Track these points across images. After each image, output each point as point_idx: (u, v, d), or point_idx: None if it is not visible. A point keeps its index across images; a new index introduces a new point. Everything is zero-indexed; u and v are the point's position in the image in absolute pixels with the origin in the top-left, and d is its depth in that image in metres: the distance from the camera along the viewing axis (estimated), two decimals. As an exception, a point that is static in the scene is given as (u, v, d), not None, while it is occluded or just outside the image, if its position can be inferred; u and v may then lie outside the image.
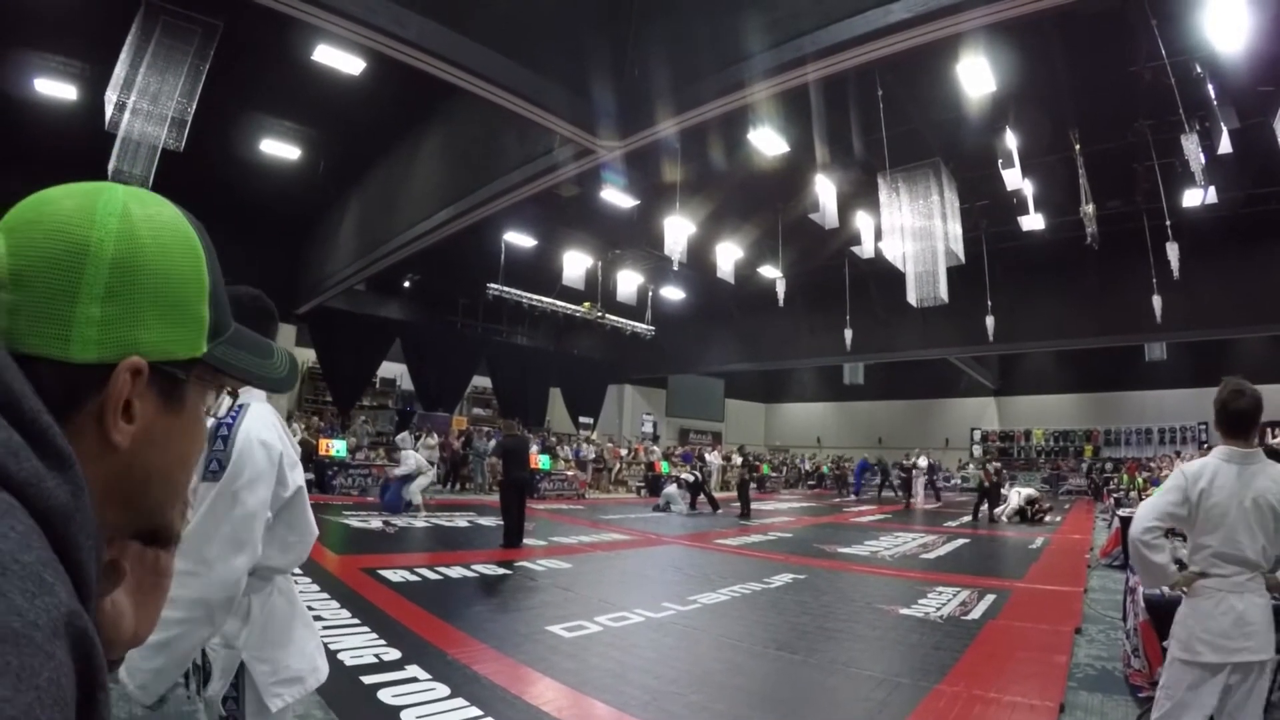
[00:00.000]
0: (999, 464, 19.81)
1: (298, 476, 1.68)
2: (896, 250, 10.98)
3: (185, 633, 1.43)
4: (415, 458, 12.38)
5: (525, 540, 9.35)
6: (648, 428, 28.11)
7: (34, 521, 0.37)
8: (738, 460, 18.62)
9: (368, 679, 3.78)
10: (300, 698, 1.68)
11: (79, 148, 10.56)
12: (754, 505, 16.42)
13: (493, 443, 16.79)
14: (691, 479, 16.21)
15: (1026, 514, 14.97)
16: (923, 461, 20.33)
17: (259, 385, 0.61)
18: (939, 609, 6.18)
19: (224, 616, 1.49)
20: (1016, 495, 15.51)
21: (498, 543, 9.10)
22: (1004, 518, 15.07)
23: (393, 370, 22.12)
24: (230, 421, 1.57)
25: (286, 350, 0.66)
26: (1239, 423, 2.42)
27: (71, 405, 0.46)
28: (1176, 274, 11.87)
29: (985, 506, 15.26)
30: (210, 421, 1.52)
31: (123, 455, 0.48)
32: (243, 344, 0.59)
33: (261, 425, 1.61)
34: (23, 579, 0.33)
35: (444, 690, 3.69)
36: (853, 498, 23.56)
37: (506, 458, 9.61)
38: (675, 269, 13.86)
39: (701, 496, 15.91)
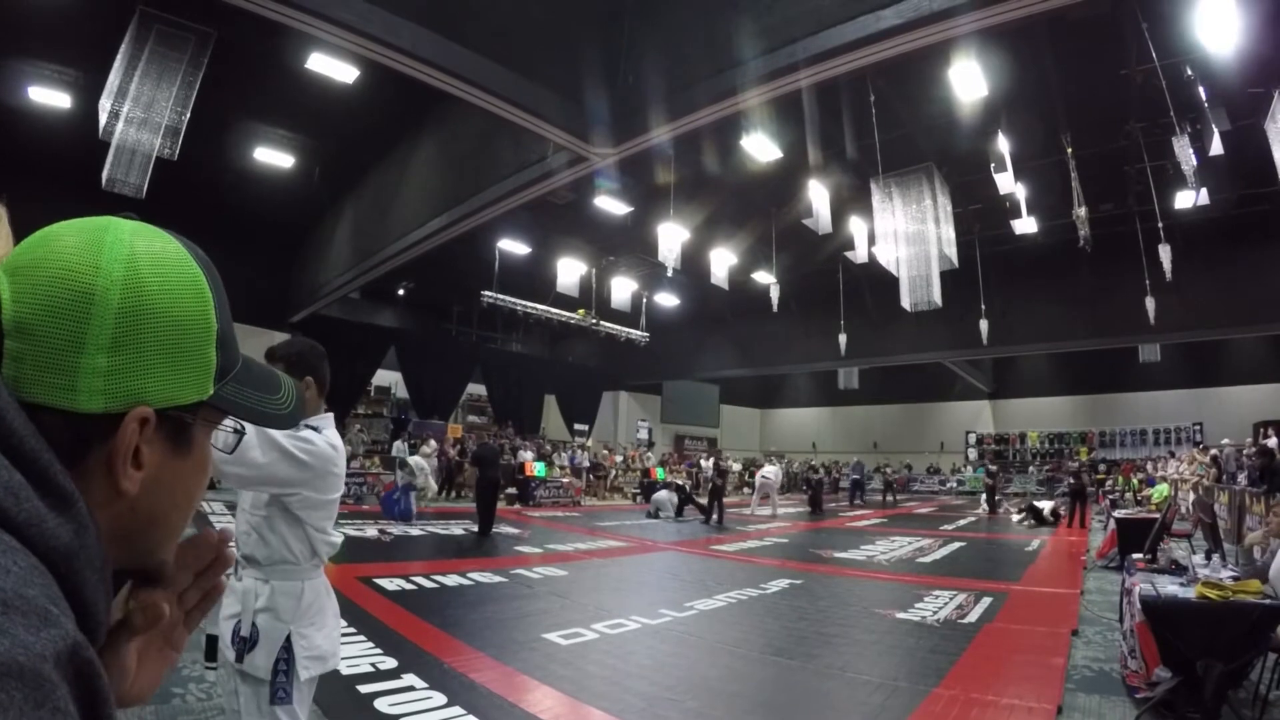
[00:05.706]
0: (995, 467, 20.08)
1: (341, 486, 2.00)
2: (890, 255, 10.99)
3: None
4: (421, 464, 12.57)
5: (520, 548, 9.58)
6: (643, 434, 28.05)
7: (36, 560, 0.37)
8: (708, 465, 18.31)
9: (364, 688, 3.76)
10: (321, 673, 1.92)
11: (73, 156, 10.56)
12: (754, 509, 16.35)
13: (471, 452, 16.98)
14: (684, 484, 16.25)
15: (1042, 515, 15.28)
16: (768, 470, 16.93)
17: (263, 424, 0.59)
18: (936, 612, 6.18)
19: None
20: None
21: (493, 551, 9.15)
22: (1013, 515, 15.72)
23: (387, 378, 22.04)
24: (316, 426, 1.90)
25: (292, 382, 0.65)
26: None
27: (79, 452, 0.45)
28: (1169, 275, 11.89)
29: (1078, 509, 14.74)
30: (304, 433, 1.85)
31: (129, 499, 0.47)
32: (250, 379, 0.57)
33: (336, 436, 1.97)
34: (26, 614, 0.33)
35: (441, 699, 3.68)
36: (845, 504, 23.51)
37: (481, 463, 11.43)
38: (669, 275, 13.86)
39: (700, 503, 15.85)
